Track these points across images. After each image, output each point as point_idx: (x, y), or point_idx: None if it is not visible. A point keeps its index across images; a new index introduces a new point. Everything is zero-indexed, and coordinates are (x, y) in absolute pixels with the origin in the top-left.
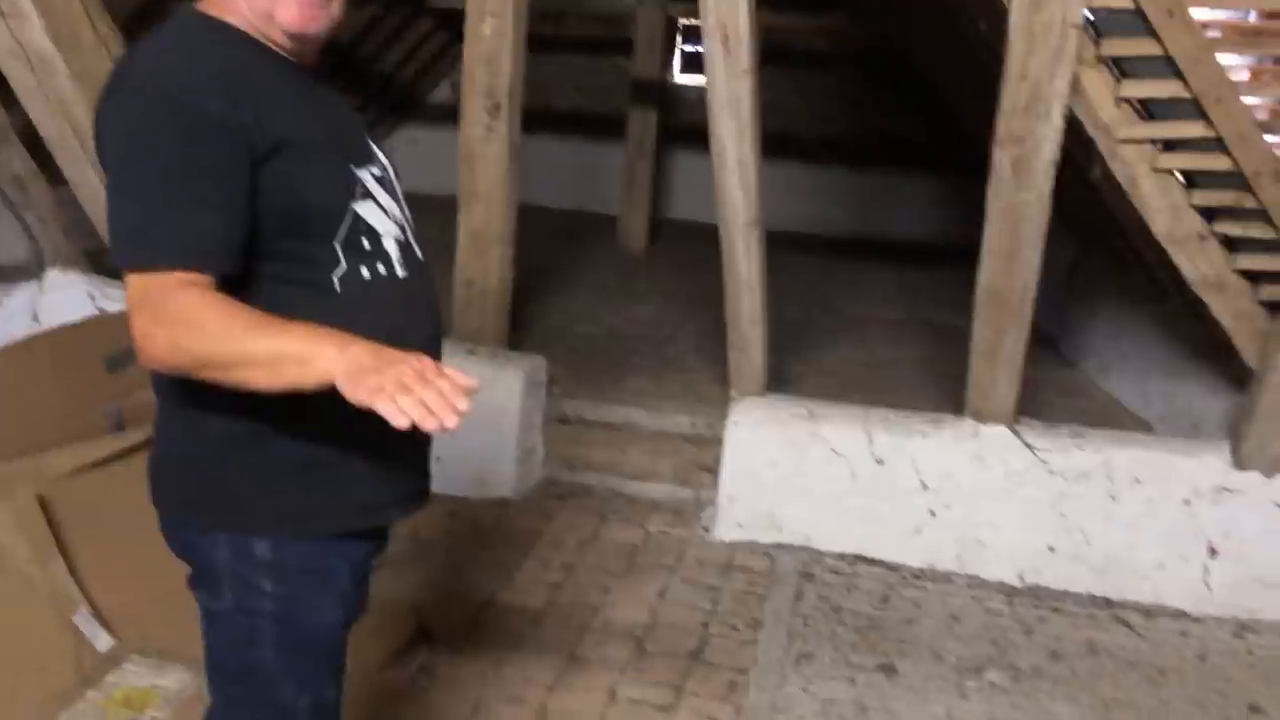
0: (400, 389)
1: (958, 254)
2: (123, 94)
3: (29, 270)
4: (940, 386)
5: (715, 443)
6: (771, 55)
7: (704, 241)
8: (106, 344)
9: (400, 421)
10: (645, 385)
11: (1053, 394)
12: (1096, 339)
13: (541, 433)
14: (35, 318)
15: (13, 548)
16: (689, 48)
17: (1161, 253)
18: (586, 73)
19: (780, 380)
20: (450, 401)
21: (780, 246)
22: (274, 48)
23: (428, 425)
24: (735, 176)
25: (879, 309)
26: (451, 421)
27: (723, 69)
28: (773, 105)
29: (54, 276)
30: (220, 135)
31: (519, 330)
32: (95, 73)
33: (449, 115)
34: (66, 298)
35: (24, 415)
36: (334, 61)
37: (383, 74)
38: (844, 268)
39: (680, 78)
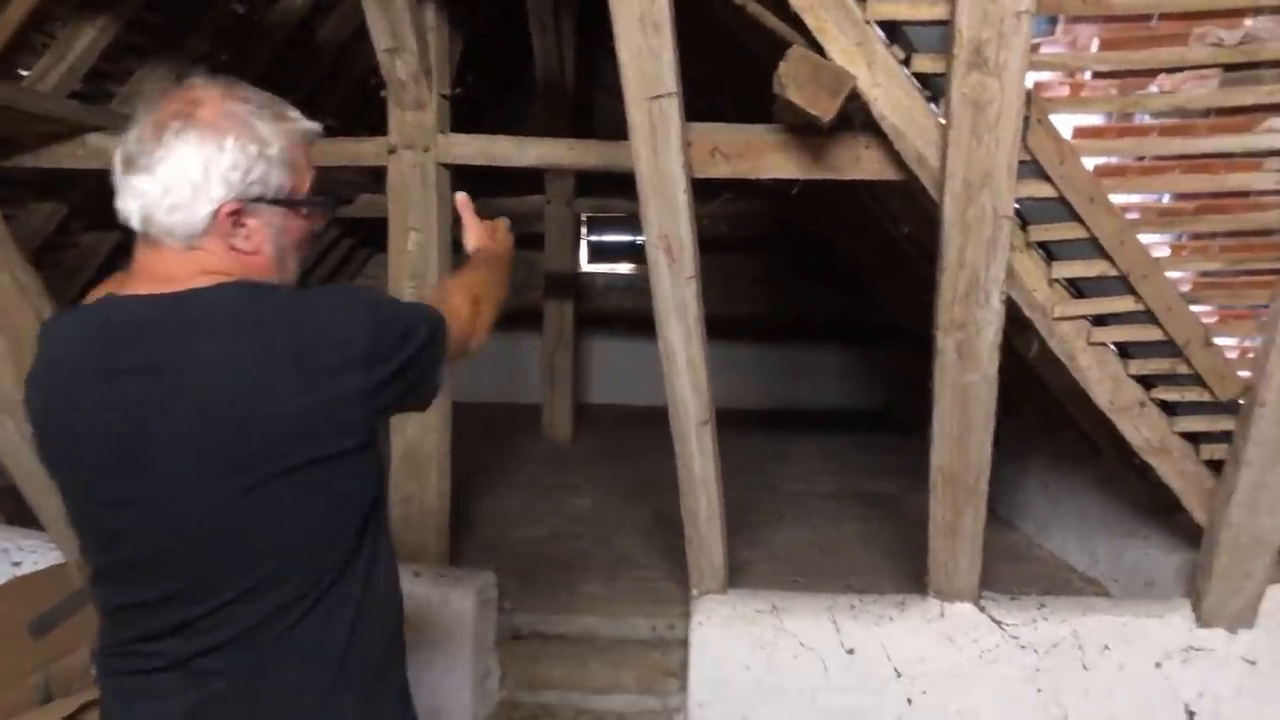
0: None
1: (871, 419)
2: (352, 303)
3: None
4: (893, 564)
5: (678, 645)
6: None
7: (627, 425)
8: (30, 607)
9: None
10: (598, 589)
11: (998, 559)
12: (1032, 499)
13: (496, 653)
14: None
15: None
16: (594, 238)
17: (1098, 418)
18: None
19: (732, 569)
20: None
21: None
22: None
23: None
24: (686, 377)
25: (812, 483)
26: None
27: (668, 276)
28: None
29: None
30: None
31: (457, 537)
32: (16, 321)
33: None
34: None
35: None
36: None
37: None
38: (768, 441)
39: (588, 267)
